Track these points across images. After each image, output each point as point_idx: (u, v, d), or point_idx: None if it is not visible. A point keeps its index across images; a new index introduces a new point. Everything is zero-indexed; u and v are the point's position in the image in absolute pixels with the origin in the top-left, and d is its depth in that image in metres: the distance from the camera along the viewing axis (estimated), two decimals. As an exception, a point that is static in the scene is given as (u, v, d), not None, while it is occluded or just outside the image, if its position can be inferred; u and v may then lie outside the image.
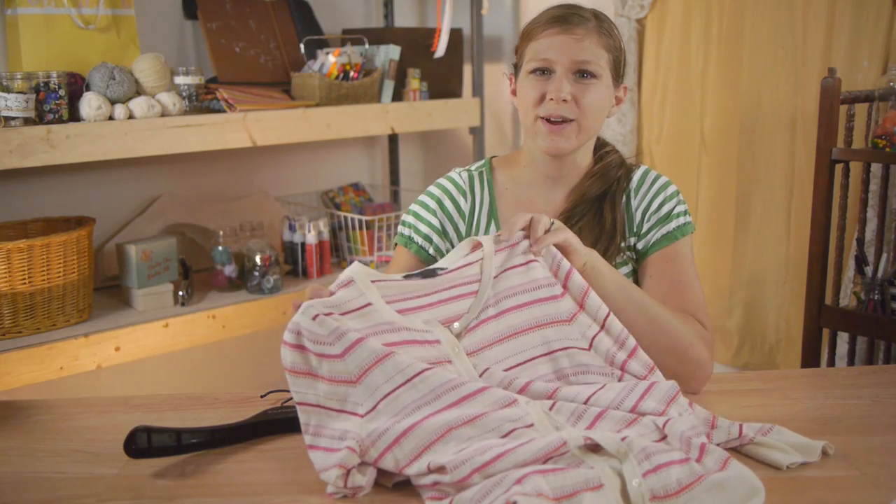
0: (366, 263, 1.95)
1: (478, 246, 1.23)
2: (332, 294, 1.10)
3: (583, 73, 1.36)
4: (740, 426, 1.09)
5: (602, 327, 1.19)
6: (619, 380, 1.17)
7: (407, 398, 1.04)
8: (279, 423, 1.18)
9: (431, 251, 1.47)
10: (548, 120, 1.37)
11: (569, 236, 1.23)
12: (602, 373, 1.17)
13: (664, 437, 1.04)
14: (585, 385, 1.14)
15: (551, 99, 1.36)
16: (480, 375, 1.13)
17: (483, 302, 1.19)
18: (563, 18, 1.37)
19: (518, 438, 1.01)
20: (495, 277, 1.20)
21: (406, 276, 1.18)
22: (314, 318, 1.04)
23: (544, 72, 1.37)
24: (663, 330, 1.28)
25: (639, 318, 1.27)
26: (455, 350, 1.14)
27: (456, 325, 1.17)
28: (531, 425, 1.04)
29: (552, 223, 1.25)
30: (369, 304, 1.11)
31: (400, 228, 1.51)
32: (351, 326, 1.07)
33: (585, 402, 1.10)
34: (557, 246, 1.23)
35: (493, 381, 1.12)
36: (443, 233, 1.48)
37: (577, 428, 1.05)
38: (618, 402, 1.10)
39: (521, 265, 1.21)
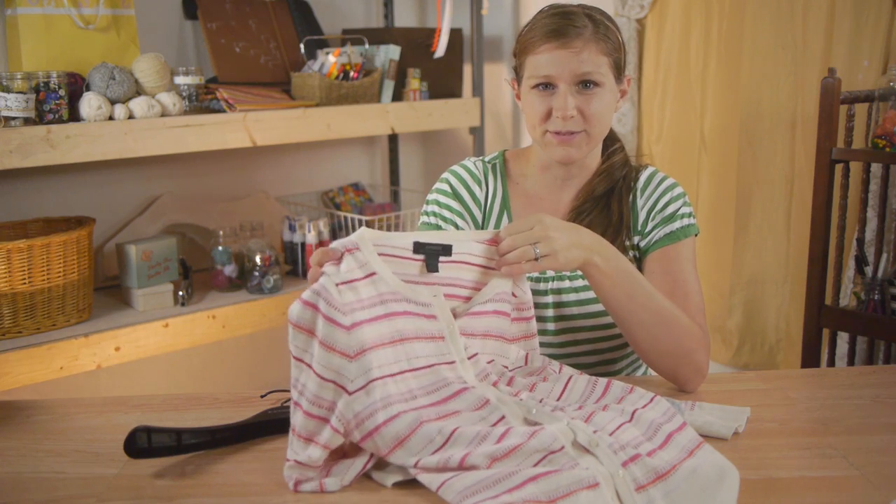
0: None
1: (494, 242, 1.23)
2: (339, 256, 1.11)
3: (585, 84, 1.35)
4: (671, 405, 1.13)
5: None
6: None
7: (393, 388, 1.06)
8: (279, 423, 1.18)
9: None
10: (557, 132, 1.37)
11: (545, 263, 1.19)
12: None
13: (630, 420, 1.06)
14: (560, 384, 1.20)
15: (558, 116, 1.36)
16: (469, 358, 1.16)
17: (485, 296, 1.20)
18: (559, 32, 1.34)
19: (493, 435, 1.02)
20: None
21: (415, 249, 1.17)
22: (338, 284, 1.07)
23: (547, 86, 1.37)
24: (672, 333, 1.28)
25: (649, 318, 1.27)
26: (450, 328, 1.15)
27: (457, 303, 1.19)
28: (503, 417, 1.07)
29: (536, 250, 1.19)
30: (374, 273, 1.12)
31: (423, 218, 1.50)
32: (362, 304, 1.08)
33: (559, 398, 1.16)
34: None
35: (478, 367, 1.16)
36: (464, 217, 1.48)
37: (547, 408, 1.09)
38: (588, 393, 1.17)
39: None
